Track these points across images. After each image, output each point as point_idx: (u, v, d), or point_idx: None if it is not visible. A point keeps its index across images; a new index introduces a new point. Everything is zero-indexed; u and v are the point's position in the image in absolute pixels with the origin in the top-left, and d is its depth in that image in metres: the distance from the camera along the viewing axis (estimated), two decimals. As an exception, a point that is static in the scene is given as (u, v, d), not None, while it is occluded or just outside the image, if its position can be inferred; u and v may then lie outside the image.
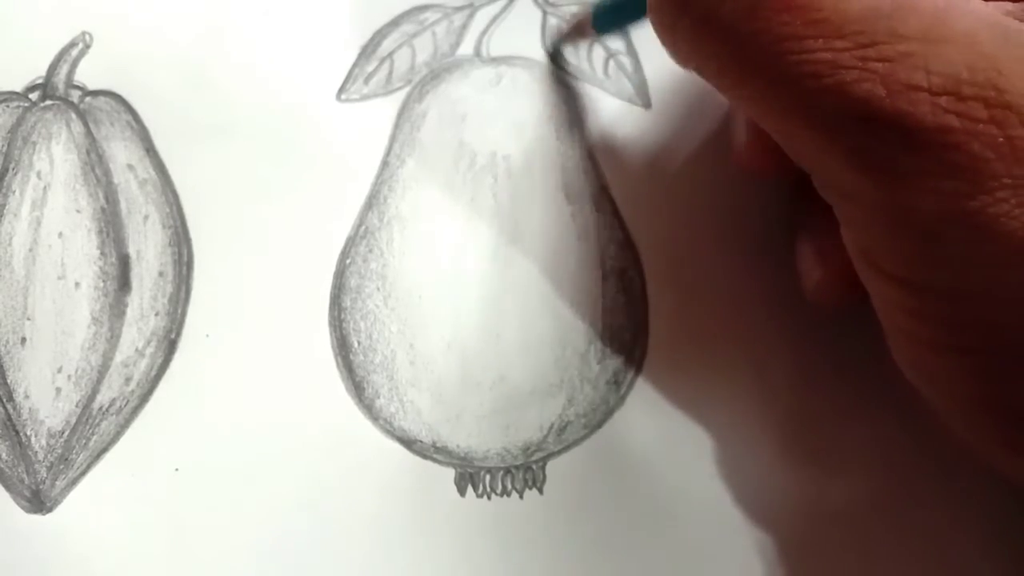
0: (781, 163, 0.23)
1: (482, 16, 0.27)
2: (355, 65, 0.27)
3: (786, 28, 0.16)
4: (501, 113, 0.26)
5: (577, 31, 0.26)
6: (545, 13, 0.27)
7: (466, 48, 0.27)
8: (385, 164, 0.26)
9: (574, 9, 0.27)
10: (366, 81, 0.27)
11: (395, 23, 0.27)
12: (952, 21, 0.16)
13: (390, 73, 0.27)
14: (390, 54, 0.27)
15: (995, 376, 0.17)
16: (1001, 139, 0.15)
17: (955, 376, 0.18)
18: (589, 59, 0.27)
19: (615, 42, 0.27)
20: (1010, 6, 0.17)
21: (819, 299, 0.23)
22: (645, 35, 0.27)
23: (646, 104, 0.27)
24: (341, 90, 0.26)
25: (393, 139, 0.26)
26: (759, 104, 0.18)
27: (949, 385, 0.18)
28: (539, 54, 0.27)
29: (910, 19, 0.16)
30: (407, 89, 0.27)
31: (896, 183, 0.16)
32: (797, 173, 0.22)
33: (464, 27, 0.27)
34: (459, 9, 0.27)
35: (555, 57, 0.27)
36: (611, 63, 0.27)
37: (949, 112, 0.15)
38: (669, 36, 0.20)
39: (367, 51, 0.27)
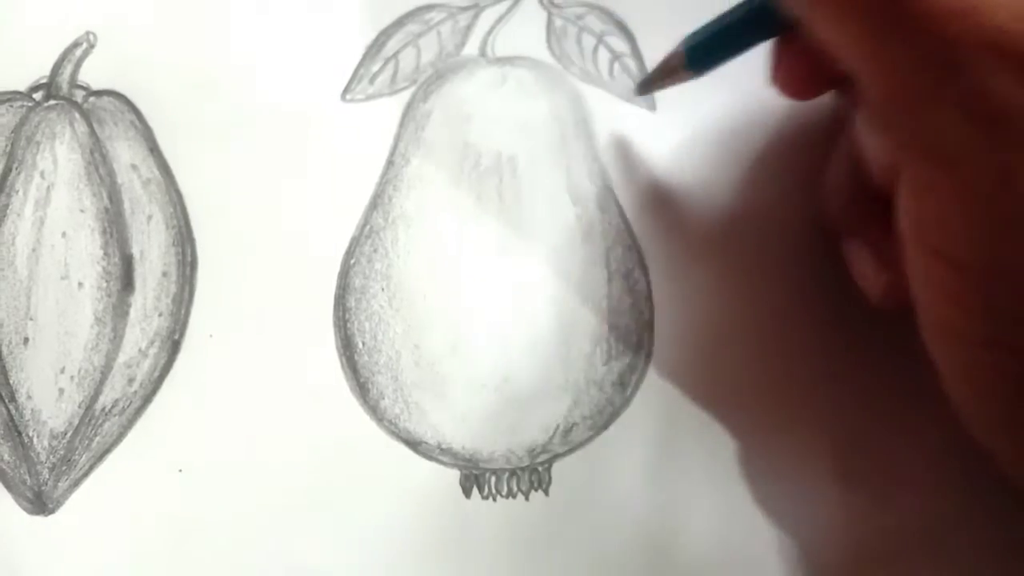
0: (816, 79, 0.21)
1: (487, 16, 0.27)
2: (360, 65, 0.27)
3: None
4: (506, 113, 0.26)
5: (668, 72, 0.24)
6: (550, 14, 0.27)
7: (471, 48, 0.27)
8: (390, 163, 0.26)
9: (579, 10, 0.27)
10: (371, 81, 0.26)
11: (400, 23, 0.27)
12: None
13: (395, 73, 0.27)
14: (395, 54, 0.27)
15: None
16: None
17: (987, 373, 0.18)
18: (594, 60, 0.27)
19: (620, 44, 0.27)
20: None
21: (889, 303, 0.22)
22: (651, 36, 0.27)
23: (651, 106, 0.27)
24: (346, 90, 0.26)
25: (398, 139, 0.26)
26: (868, 30, 0.16)
27: (982, 380, 0.18)
28: (544, 55, 0.27)
29: None
30: (412, 89, 0.26)
31: (1011, 141, 0.15)
32: (832, 88, 0.21)
33: (469, 27, 0.27)
34: (464, 9, 0.27)
35: (561, 58, 0.27)
36: (616, 65, 0.27)
37: None
38: None
39: (372, 51, 0.27)
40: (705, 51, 0.23)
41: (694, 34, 0.23)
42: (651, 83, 0.25)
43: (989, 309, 0.17)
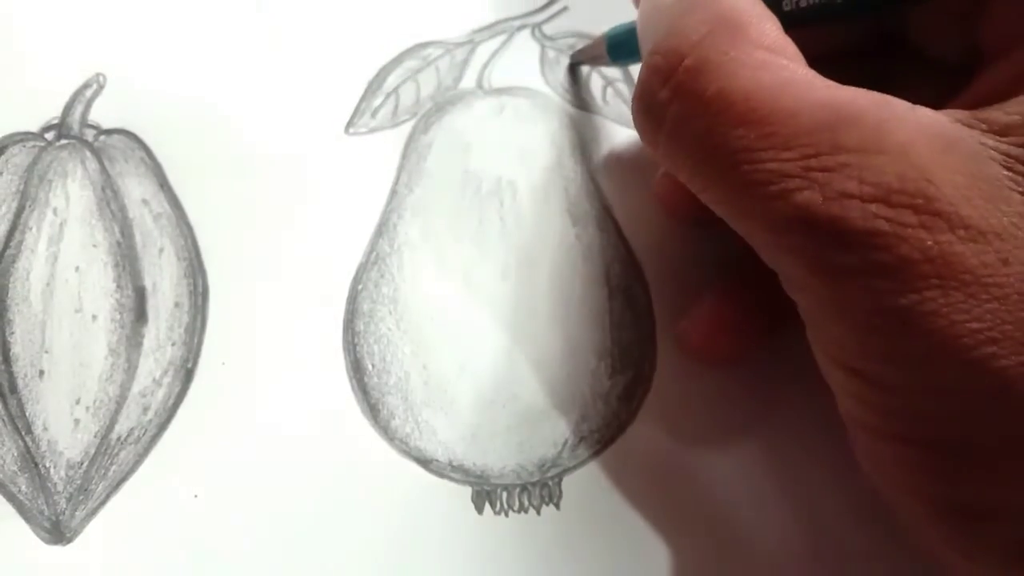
0: (687, 207, 0.25)
1: (483, 51, 0.28)
2: (362, 100, 0.28)
3: (741, 141, 0.18)
4: (504, 141, 0.27)
5: (593, 53, 0.27)
6: (543, 46, 0.28)
7: (468, 81, 0.28)
8: (394, 193, 0.27)
9: (571, 40, 0.28)
10: (373, 115, 0.27)
11: (399, 59, 0.28)
12: (890, 133, 0.17)
13: (396, 107, 0.28)
14: (395, 89, 0.28)
15: (938, 470, 0.18)
16: (930, 243, 0.16)
17: (903, 467, 0.18)
18: (587, 87, 0.28)
19: (612, 70, 0.28)
20: (960, 113, 0.17)
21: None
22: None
23: (644, 129, 0.27)
24: (349, 124, 0.27)
25: (401, 169, 0.27)
26: (724, 207, 0.19)
27: (898, 477, 0.18)
28: (539, 84, 0.28)
29: (851, 132, 0.17)
30: (413, 121, 0.27)
31: (835, 280, 0.17)
32: (703, 221, 0.23)
33: (466, 61, 0.28)
34: (460, 44, 0.28)
35: (555, 86, 0.28)
36: (609, 90, 0.28)
37: (879, 217, 0.16)
38: (651, 147, 0.21)
39: (373, 87, 0.28)
40: (621, 44, 0.25)
41: (617, 27, 0.25)
42: (580, 59, 0.28)
43: (881, 406, 0.18)
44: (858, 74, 0.19)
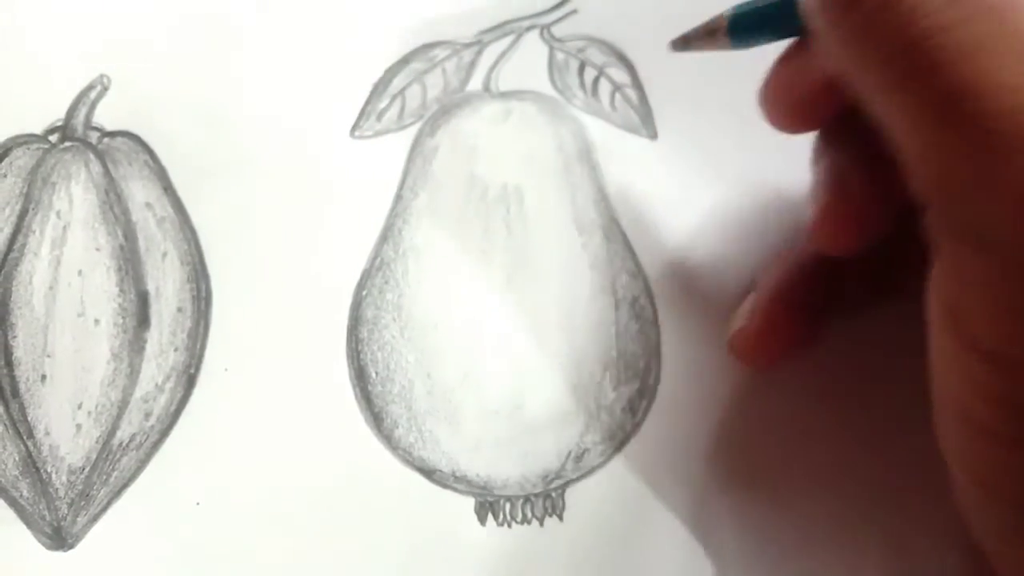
0: (860, 233, 0.21)
1: (490, 52, 0.28)
2: (367, 103, 0.27)
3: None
4: (511, 146, 0.27)
5: (707, 33, 0.23)
6: (552, 48, 0.28)
7: (475, 84, 0.28)
8: (399, 197, 0.26)
9: (580, 44, 0.28)
10: (378, 118, 0.27)
11: (405, 60, 0.28)
12: None
13: (402, 109, 0.27)
14: (401, 91, 0.27)
15: None
16: None
17: (1007, 475, 0.16)
18: (595, 92, 0.28)
19: (621, 75, 0.28)
20: None
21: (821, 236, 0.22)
22: (651, 67, 0.28)
23: (652, 135, 0.27)
24: (354, 127, 0.27)
25: (406, 173, 0.27)
26: (917, 109, 0.15)
27: (1001, 483, 0.16)
28: (547, 88, 0.28)
29: None
30: (419, 124, 0.27)
31: None
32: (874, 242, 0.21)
33: (473, 63, 0.28)
34: (468, 46, 0.28)
35: (564, 90, 0.27)
36: (617, 96, 0.28)
37: None
38: (835, 30, 0.17)
39: (379, 89, 0.27)
40: (750, 22, 0.21)
41: (744, 3, 0.22)
42: (689, 41, 0.24)
43: (1012, 402, 0.15)
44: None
